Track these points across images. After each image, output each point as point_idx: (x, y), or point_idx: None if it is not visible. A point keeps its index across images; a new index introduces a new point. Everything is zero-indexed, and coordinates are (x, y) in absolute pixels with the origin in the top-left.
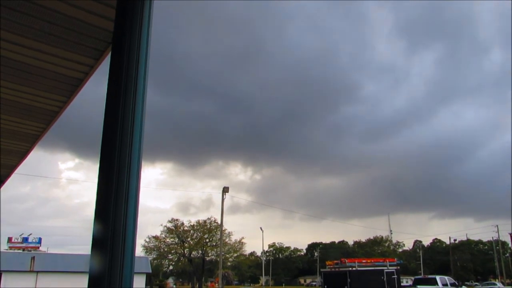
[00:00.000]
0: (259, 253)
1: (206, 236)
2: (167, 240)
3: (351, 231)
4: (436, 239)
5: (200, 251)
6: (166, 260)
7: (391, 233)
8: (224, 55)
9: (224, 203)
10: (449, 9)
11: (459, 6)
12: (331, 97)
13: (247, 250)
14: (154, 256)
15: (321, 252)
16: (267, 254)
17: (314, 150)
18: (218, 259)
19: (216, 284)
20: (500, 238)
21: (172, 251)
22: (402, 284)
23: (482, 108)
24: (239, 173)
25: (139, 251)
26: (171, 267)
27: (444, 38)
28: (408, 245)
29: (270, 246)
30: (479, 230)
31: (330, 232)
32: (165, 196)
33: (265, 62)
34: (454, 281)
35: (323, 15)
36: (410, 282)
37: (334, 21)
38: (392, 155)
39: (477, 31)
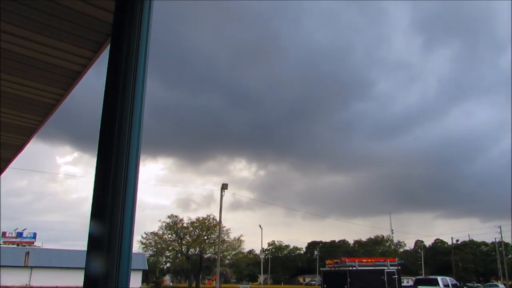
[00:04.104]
0: (258, 251)
1: (204, 233)
2: (165, 236)
3: (354, 230)
4: (438, 239)
5: (198, 249)
6: (163, 257)
7: (392, 233)
8: (235, 49)
9: (226, 200)
10: (467, 6)
11: (477, 3)
12: (342, 93)
13: (247, 247)
14: (151, 253)
15: (321, 251)
16: (266, 252)
17: (321, 147)
18: (216, 256)
19: (214, 282)
20: (504, 240)
21: (170, 248)
22: (403, 284)
23: (495, 107)
24: (243, 169)
25: (136, 247)
26: (168, 264)
27: (461, 35)
28: (410, 245)
29: (269, 244)
30: (484, 231)
31: (331, 231)
32: (166, 192)
33: (277, 57)
34: (456, 282)
35: (340, 10)
36: (411, 283)
37: (351, 16)
38: (401, 154)
39: (495, 29)
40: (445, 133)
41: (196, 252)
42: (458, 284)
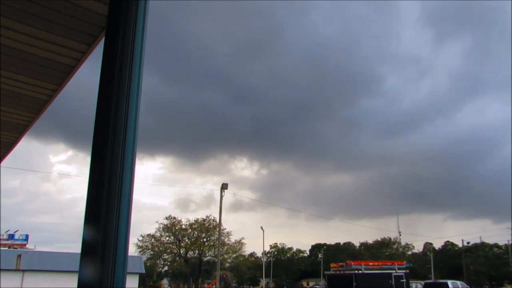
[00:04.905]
0: (260, 254)
1: (203, 235)
2: (163, 238)
3: (360, 232)
4: (448, 241)
5: (197, 251)
6: (161, 260)
7: (400, 235)
8: (237, 43)
9: (227, 200)
10: None
11: None
12: (349, 89)
13: (248, 250)
14: (148, 256)
15: (325, 254)
16: (268, 255)
17: (327, 145)
18: (216, 259)
19: (213, 286)
20: None
21: (168, 251)
22: None
23: (509, 103)
24: (244, 168)
25: (132, 251)
26: (166, 268)
27: (474, 27)
28: (418, 247)
29: (271, 246)
30: (496, 233)
31: (336, 233)
32: (164, 192)
33: (281, 51)
34: (467, 286)
35: (347, 2)
36: (420, 287)
37: (358, 8)
38: (410, 152)
39: (508, 21)
40: (456, 130)
41: (195, 255)
42: None
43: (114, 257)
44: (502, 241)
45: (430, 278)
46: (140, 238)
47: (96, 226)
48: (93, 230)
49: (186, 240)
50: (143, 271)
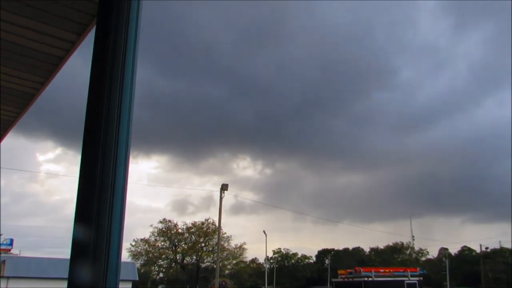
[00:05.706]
0: (262, 260)
1: (201, 240)
2: (158, 243)
3: (370, 236)
4: (465, 246)
5: (194, 257)
6: (156, 266)
7: (413, 239)
8: (239, 32)
9: (227, 202)
10: None
11: None
12: (361, 82)
13: (250, 256)
14: (142, 262)
15: (332, 260)
16: (271, 261)
17: (336, 142)
18: (215, 266)
19: None
20: None
21: (163, 256)
22: None
23: None
24: (247, 167)
25: (125, 256)
26: (161, 274)
27: (496, 15)
28: (433, 253)
29: (275, 252)
30: None
31: (345, 237)
32: (160, 193)
33: (287, 40)
34: None
35: None
36: None
37: None
38: (425, 150)
39: None
40: (476, 126)
41: (192, 261)
42: None
43: (106, 259)
44: None
45: (446, 286)
46: (133, 243)
47: (88, 226)
48: (84, 230)
49: (183, 245)
50: (137, 278)
